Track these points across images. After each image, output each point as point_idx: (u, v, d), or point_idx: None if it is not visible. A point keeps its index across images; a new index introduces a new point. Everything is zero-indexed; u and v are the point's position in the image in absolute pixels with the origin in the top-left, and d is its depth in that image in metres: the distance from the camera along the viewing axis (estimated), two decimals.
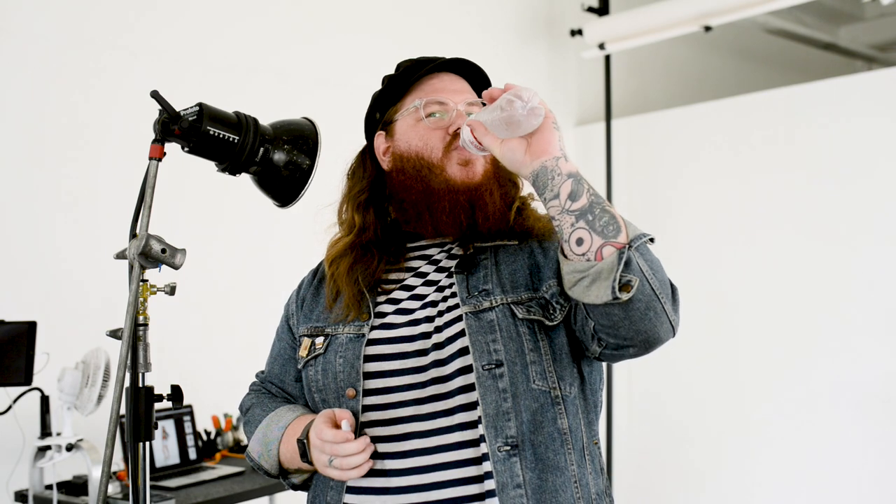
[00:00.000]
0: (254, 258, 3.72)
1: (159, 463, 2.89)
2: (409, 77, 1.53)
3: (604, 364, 1.53)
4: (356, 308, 1.48)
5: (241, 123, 1.53)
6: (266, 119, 1.63)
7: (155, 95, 1.46)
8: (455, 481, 1.37)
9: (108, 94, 3.31)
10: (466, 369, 1.38)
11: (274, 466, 1.52)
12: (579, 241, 1.28)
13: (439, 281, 1.48)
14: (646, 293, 1.26)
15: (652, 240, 1.30)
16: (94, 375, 2.38)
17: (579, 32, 4.92)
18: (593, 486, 1.41)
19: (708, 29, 4.56)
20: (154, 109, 1.50)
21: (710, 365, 4.78)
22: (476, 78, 1.56)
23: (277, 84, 3.82)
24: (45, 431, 2.58)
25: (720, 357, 4.75)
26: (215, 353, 3.51)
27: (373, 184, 1.57)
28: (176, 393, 1.47)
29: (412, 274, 1.51)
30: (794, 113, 4.52)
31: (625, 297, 1.23)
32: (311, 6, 4.01)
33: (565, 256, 1.31)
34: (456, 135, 1.45)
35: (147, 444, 1.41)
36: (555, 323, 1.40)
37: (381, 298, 1.49)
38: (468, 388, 1.37)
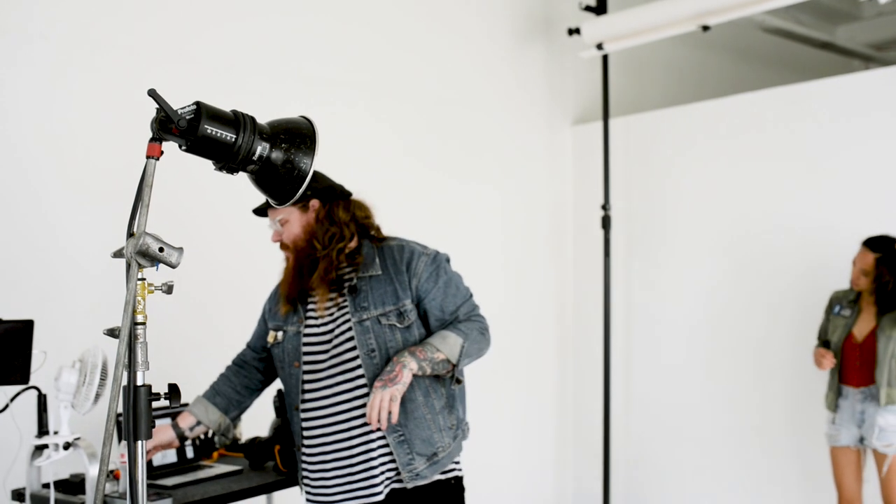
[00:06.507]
0: (251, 257, 3.71)
1: (156, 461, 2.89)
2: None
3: None
4: (293, 313, 2.53)
5: (239, 122, 1.53)
6: (264, 118, 1.63)
7: (153, 94, 1.46)
8: (353, 409, 2.43)
9: (107, 94, 3.31)
10: (355, 356, 2.42)
11: None
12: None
13: (336, 299, 2.45)
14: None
15: (464, 346, 2.40)
16: (91, 374, 2.37)
17: (577, 31, 4.92)
18: (437, 403, 2.44)
19: (706, 28, 4.56)
20: (152, 108, 1.50)
21: (707, 363, 4.79)
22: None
23: (276, 84, 3.81)
24: (43, 430, 2.56)
25: (717, 356, 4.75)
26: (213, 352, 3.50)
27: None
28: (173, 391, 1.48)
29: (321, 293, 2.46)
30: (792, 112, 4.52)
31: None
32: (309, 6, 4.01)
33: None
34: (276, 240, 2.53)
35: (144, 442, 1.42)
36: (405, 325, 2.41)
37: (309, 305, 2.50)
38: (358, 365, 2.42)
